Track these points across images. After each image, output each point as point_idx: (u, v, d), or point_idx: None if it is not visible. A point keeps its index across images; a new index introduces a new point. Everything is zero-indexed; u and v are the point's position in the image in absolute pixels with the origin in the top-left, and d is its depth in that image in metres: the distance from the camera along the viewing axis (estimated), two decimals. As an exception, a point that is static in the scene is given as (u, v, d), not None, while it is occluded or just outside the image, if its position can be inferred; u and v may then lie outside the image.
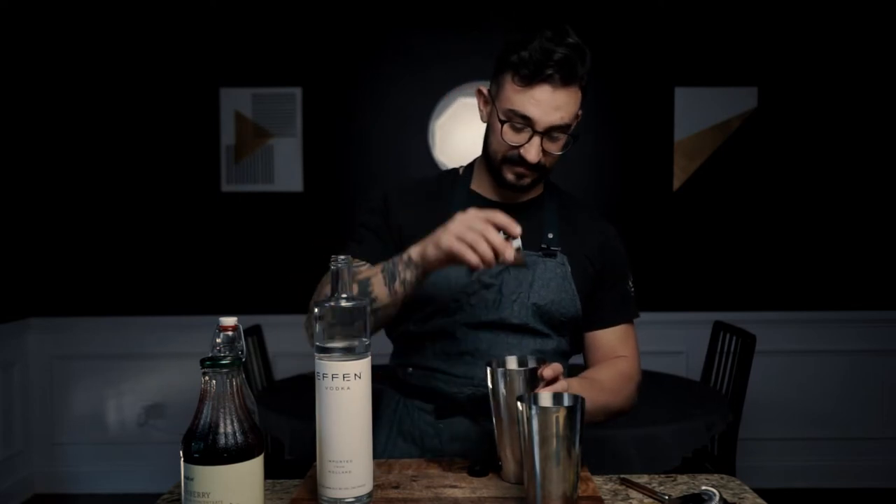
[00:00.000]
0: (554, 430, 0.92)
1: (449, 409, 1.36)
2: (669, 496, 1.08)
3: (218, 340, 1.03)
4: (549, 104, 1.28)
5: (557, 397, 1.02)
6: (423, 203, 1.43)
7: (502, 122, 1.32)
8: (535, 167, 1.33)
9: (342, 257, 1.02)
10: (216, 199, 3.59)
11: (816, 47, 3.55)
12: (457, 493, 1.08)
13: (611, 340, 1.42)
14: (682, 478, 1.18)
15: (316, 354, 0.99)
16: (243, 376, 0.95)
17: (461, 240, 1.13)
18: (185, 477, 0.87)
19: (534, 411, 0.94)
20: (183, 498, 0.87)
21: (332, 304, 1.00)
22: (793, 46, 3.56)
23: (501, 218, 1.15)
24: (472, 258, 1.11)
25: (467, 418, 1.35)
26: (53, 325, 3.59)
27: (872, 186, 3.58)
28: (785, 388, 3.57)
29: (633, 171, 3.60)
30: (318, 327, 1.00)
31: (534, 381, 1.09)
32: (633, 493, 1.11)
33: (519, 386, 1.09)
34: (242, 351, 1.06)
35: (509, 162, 1.34)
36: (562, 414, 0.93)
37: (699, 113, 3.56)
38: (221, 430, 0.87)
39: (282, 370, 3.28)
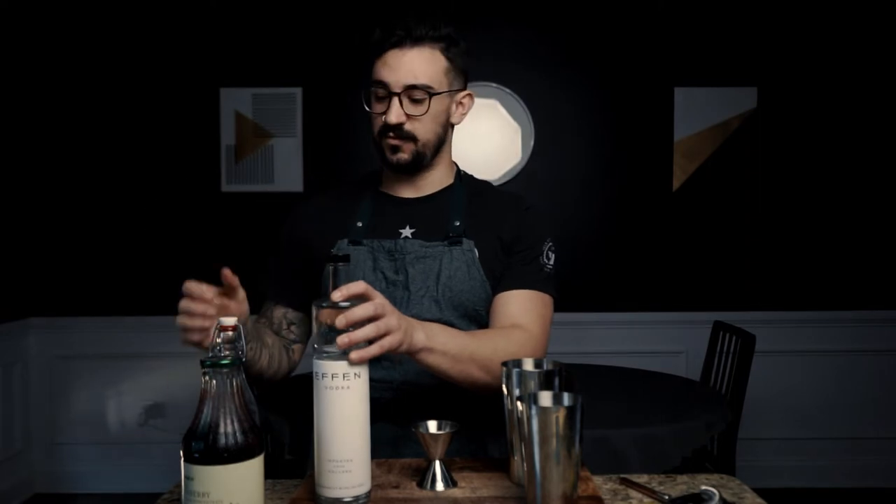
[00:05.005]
0: (554, 430, 0.92)
1: (373, 416, 1.36)
2: (669, 496, 1.08)
3: (218, 340, 1.04)
4: (401, 65, 1.33)
5: (557, 397, 1.02)
6: (331, 209, 1.46)
7: (370, 96, 1.37)
8: (405, 134, 1.35)
9: (341, 263, 1.03)
10: (216, 199, 3.59)
11: (816, 47, 3.55)
12: (456, 492, 1.08)
13: (509, 304, 1.35)
14: (681, 478, 1.18)
15: (314, 354, 1.00)
16: (243, 376, 0.96)
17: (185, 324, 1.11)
18: (185, 477, 0.87)
19: (534, 411, 0.94)
20: (183, 498, 0.87)
21: (331, 304, 1.01)
22: (793, 46, 3.56)
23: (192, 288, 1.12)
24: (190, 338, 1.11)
25: (391, 423, 1.33)
26: (54, 325, 3.59)
27: (872, 186, 3.58)
28: (785, 387, 3.57)
29: (632, 171, 3.60)
30: (316, 327, 1.00)
31: (548, 383, 1.09)
32: (633, 493, 1.11)
33: (532, 387, 1.08)
34: (243, 351, 1.06)
35: (382, 135, 1.37)
36: (562, 414, 0.93)
37: (699, 113, 3.56)
38: (221, 430, 0.87)
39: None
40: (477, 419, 1.34)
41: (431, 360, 1.16)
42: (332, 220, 1.44)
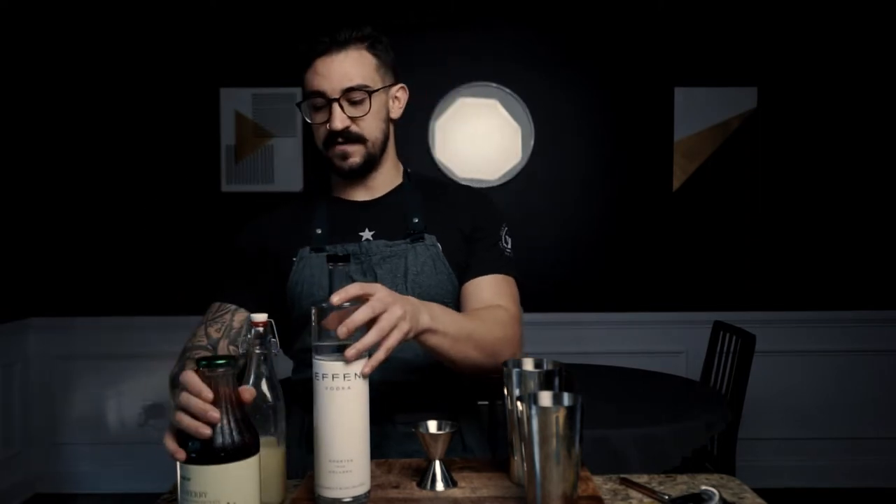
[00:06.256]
0: (554, 430, 0.92)
1: None
2: (669, 496, 1.08)
3: (250, 336, 1.05)
4: (332, 71, 1.35)
5: (557, 397, 1.02)
6: (285, 216, 1.47)
7: (309, 108, 1.38)
8: (351, 137, 1.36)
9: (341, 264, 1.03)
10: (216, 199, 3.59)
11: (816, 47, 3.55)
12: (456, 492, 1.08)
13: (481, 289, 1.38)
14: (681, 478, 1.18)
15: (314, 355, 1.00)
16: (270, 367, 1.02)
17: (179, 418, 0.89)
18: (181, 477, 0.87)
19: (534, 411, 0.94)
20: (179, 498, 0.87)
21: (330, 305, 1.00)
22: (793, 46, 3.56)
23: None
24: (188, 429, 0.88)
25: (376, 424, 1.33)
26: (54, 325, 3.59)
27: (872, 186, 3.58)
28: (785, 387, 3.57)
29: (632, 171, 3.60)
30: (315, 328, 1.00)
31: (548, 383, 1.09)
32: (633, 493, 1.11)
33: (532, 387, 1.08)
34: (275, 346, 1.08)
35: (328, 145, 1.37)
36: (562, 414, 0.93)
37: (699, 113, 3.56)
38: (218, 429, 0.87)
39: (282, 370, 3.28)
40: (454, 414, 1.34)
41: (434, 341, 1.16)
42: (291, 229, 1.44)
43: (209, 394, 0.88)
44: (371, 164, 1.40)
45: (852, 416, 3.58)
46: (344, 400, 0.98)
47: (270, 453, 1.04)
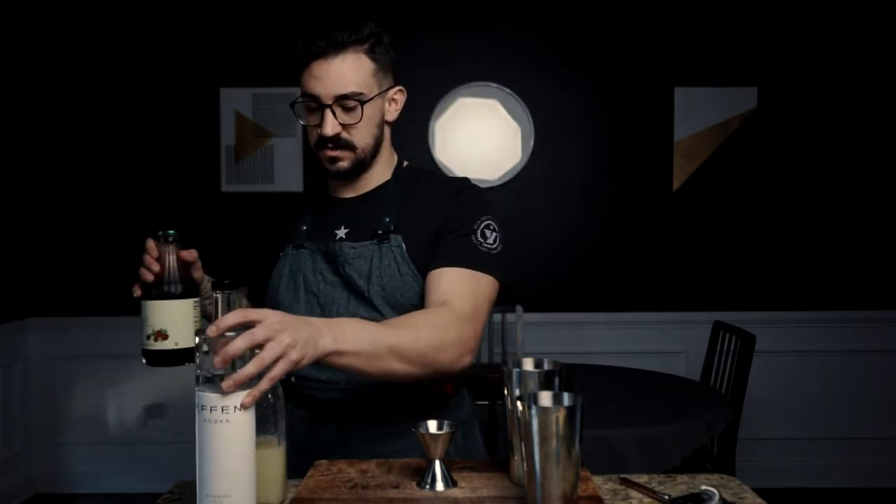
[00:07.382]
0: (554, 430, 0.92)
1: (324, 417, 1.35)
2: (669, 496, 1.08)
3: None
4: (328, 76, 1.33)
5: (557, 397, 1.02)
6: (282, 213, 1.52)
7: (303, 109, 1.37)
8: (341, 143, 1.34)
9: (228, 291, 1.00)
10: (216, 199, 3.59)
11: (816, 47, 3.55)
12: (456, 492, 1.08)
13: (436, 282, 1.28)
14: (681, 478, 1.18)
15: (195, 385, 0.94)
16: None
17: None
18: (141, 314, 1.12)
19: (534, 411, 0.93)
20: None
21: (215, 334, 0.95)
22: (793, 46, 3.56)
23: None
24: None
25: (340, 423, 1.33)
26: (54, 325, 3.59)
27: (872, 186, 3.58)
28: (785, 387, 3.57)
29: (632, 171, 3.60)
30: (198, 358, 0.95)
31: (548, 383, 1.08)
32: (633, 493, 1.11)
33: (532, 387, 1.07)
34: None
35: (319, 147, 1.36)
36: (562, 414, 0.93)
37: (699, 113, 3.56)
38: (158, 277, 1.15)
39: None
40: (425, 414, 1.32)
41: (343, 362, 1.08)
42: (284, 225, 1.46)
43: (154, 252, 1.19)
44: (360, 167, 1.38)
45: (852, 416, 3.58)
46: (221, 434, 0.92)
47: (270, 453, 1.04)
